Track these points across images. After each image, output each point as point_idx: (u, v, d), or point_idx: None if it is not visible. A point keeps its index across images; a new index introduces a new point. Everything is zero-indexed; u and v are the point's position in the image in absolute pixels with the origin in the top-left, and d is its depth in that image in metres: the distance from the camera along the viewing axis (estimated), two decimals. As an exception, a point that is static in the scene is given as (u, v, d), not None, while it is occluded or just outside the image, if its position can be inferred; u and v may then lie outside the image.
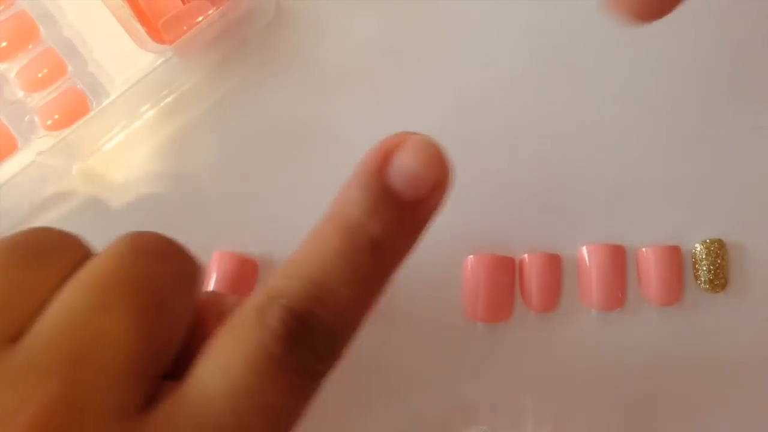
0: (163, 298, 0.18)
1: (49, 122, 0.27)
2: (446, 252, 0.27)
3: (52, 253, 0.18)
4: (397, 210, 0.18)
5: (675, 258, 0.27)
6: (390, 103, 0.28)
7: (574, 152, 0.28)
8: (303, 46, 0.28)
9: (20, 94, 0.28)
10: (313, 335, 0.17)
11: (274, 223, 0.27)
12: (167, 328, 0.18)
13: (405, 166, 0.18)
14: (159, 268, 0.18)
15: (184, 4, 0.27)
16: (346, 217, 0.18)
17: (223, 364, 0.17)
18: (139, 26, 0.26)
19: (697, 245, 0.27)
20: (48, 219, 0.28)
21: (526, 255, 0.27)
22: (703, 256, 0.27)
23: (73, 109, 0.27)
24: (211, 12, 0.27)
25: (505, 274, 0.27)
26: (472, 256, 0.27)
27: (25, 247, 0.18)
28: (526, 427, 0.26)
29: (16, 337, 0.17)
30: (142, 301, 0.17)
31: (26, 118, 0.27)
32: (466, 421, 0.26)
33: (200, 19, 0.27)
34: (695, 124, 0.28)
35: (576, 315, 0.27)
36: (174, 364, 0.18)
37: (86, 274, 0.18)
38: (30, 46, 0.28)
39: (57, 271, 0.18)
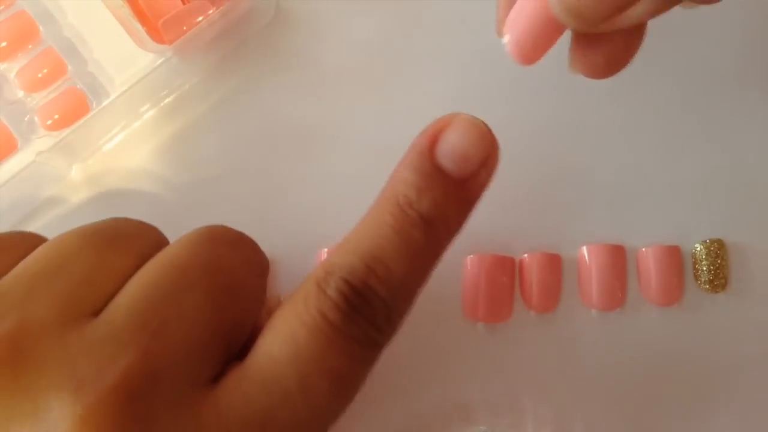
0: (236, 281, 0.19)
1: (49, 122, 0.27)
2: (446, 252, 0.27)
3: (131, 238, 0.20)
4: (447, 187, 0.19)
5: (675, 258, 0.27)
6: (390, 103, 0.28)
7: (574, 152, 0.28)
8: (303, 46, 0.28)
9: (20, 94, 0.28)
10: (370, 306, 0.18)
11: (274, 223, 0.27)
12: (239, 309, 0.19)
13: (453, 144, 0.19)
14: (232, 254, 0.20)
15: (184, 4, 0.27)
16: (398, 195, 0.19)
17: (286, 333, 0.18)
18: (139, 26, 0.26)
19: (697, 245, 0.27)
20: (48, 219, 0.28)
21: (526, 255, 0.27)
22: (703, 256, 0.27)
23: (73, 109, 0.27)
24: (211, 12, 0.27)
25: (505, 274, 0.27)
26: (472, 256, 0.27)
27: (105, 233, 0.20)
28: (526, 427, 0.26)
29: (97, 312, 0.18)
30: (217, 282, 0.19)
31: (26, 118, 0.27)
32: (466, 422, 0.26)
33: (200, 19, 0.27)
34: (696, 124, 0.28)
35: (576, 315, 0.27)
36: (243, 350, 0.19)
37: (165, 257, 0.19)
38: (30, 46, 0.28)
39: (135, 255, 0.19)
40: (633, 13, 0.16)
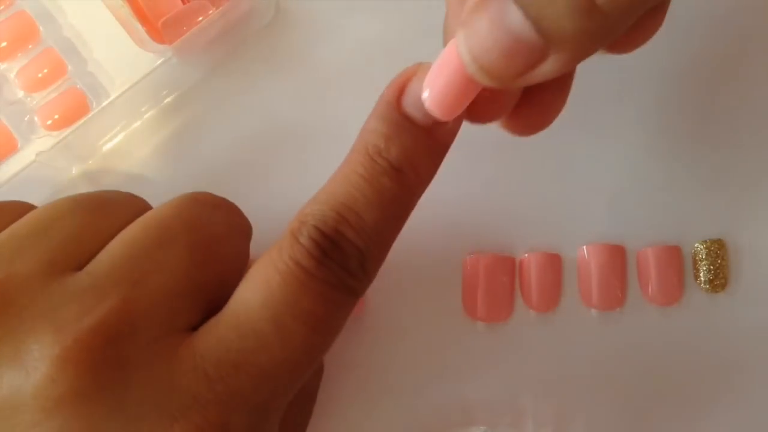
0: (217, 239, 0.20)
1: (49, 122, 0.27)
2: (446, 252, 0.27)
3: (120, 205, 0.21)
4: (415, 135, 0.19)
5: (675, 258, 0.27)
6: (390, 103, 0.28)
7: (574, 152, 0.28)
8: (303, 46, 0.28)
9: (20, 94, 0.28)
10: (343, 251, 0.19)
11: (274, 223, 0.27)
12: (220, 266, 0.20)
13: (418, 92, 0.19)
14: (213, 214, 0.21)
15: (184, 4, 0.27)
16: (367, 146, 0.19)
17: (260, 279, 0.19)
18: (139, 26, 0.26)
19: (697, 245, 0.27)
20: (48, 219, 0.28)
21: (526, 255, 0.27)
22: (703, 256, 0.27)
23: (73, 109, 0.27)
24: (211, 12, 0.27)
25: (505, 274, 0.27)
26: (472, 255, 0.27)
27: (95, 198, 0.21)
28: (526, 427, 0.26)
29: (81, 267, 0.19)
30: (197, 237, 0.20)
31: (26, 118, 0.27)
32: (465, 421, 0.26)
33: (200, 19, 0.27)
34: (695, 124, 0.28)
35: (576, 315, 0.27)
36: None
37: (148, 216, 0.20)
38: (30, 46, 0.28)
39: (121, 219, 0.20)
40: (541, 71, 0.17)
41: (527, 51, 0.16)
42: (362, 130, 0.20)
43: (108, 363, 0.17)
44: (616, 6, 0.15)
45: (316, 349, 0.19)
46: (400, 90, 0.20)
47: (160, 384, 0.17)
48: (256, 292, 0.18)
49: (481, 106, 0.20)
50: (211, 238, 0.20)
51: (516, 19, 0.16)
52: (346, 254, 0.19)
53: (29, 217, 0.20)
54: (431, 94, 0.19)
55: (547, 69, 0.17)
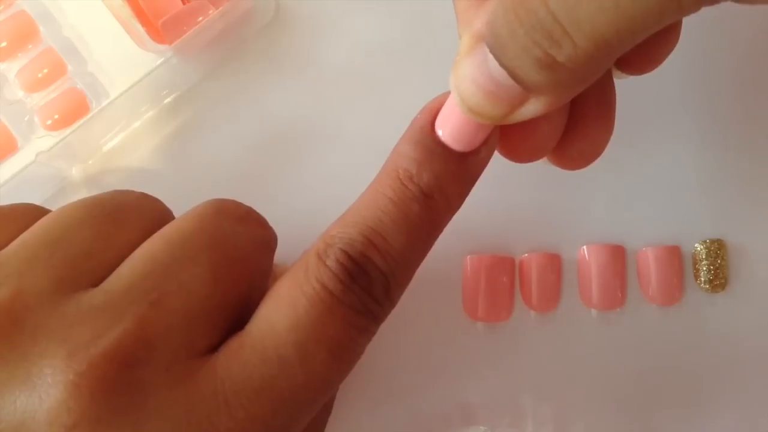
0: (240, 255, 0.19)
1: (49, 122, 0.27)
2: (446, 252, 0.27)
3: (133, 211, 0.20)
4: (447, 162, 0.19)
5: (675, 258, 0.27)
6: (390, 103, 0.28)
7: (574, 152, 0.28)
8: (303, 46, 0.28)
9: (20, 94, 0.28)
10: (369, 276, 0.18)
11: (274, 223, 0.27)
12: (243, 283, 0.19)
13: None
14: (238, 229, 0.20)
15: (184, 4, 0.27)
16: (398, 169, 0.19)
17: (286, 302, 0.18)
18: (139, 26, 0.26)
19: (697, 245, 0.27)
20: (48, 219, 0.28)
21: (526, 255, 0.27)
22: (703, 256, 0.27)
23: (73, 109, 0.27)
24: (211, 12, 0.27)
25: (505, 274, 0.27)
26: (472, 255, 0.27)
27: (107, 205, 0.20)
28: (526, 427, 0.26)
29: (96, 283, 0.18)
30: (220, 255, 0.19)
31: (26, 118, 0.27)
32: (465, 421, 0.26)
33: (200, 19, 0.27)
34: (695, 124, 0.28)
35: (576, 315, 0.27)
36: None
37: (170, 230, 0.19)
38: (30, 46, 0.28)
39: (138, 228, 0.19)
40: (528, 111, 0.17)
41: (508, 95, 0.17)
42: (393, 152, 0.20)
43: (124, 388, 0.16)
44: (576, 62, 0.15)
45: (336, 375, 0.18)
46: (433, 115, 0.19)
47: (178, 410, 0.17)
48: (281, 314, 0.18)
49: (518, 143, 0.20)
50: (234, 255, 0.19)
51: (495, 66, 0.16)
52: (372, 280, 0.18)
53: (37, 227, 0.19)
54: (445, 134, 0.19)
55: (532, 109, 0.17)
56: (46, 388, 0.16)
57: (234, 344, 0.18)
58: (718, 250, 0.27)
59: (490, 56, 0.16)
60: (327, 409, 0.23)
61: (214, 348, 0.18)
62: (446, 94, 0.20)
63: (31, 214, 0.20)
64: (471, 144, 0.19)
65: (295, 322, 0.18)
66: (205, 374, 0.17)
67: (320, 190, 0.28)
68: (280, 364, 0.17)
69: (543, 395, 0.27)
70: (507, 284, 0.27)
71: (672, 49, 0.20)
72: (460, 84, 0.18)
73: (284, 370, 0.17)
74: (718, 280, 0.27)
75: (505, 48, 0.16)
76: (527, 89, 0.16)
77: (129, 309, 0.17)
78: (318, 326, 0.18)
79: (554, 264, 0.27)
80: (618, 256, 0.27)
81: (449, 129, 0.19)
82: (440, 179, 0.19)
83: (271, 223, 0.22)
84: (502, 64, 0.16)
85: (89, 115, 0.26)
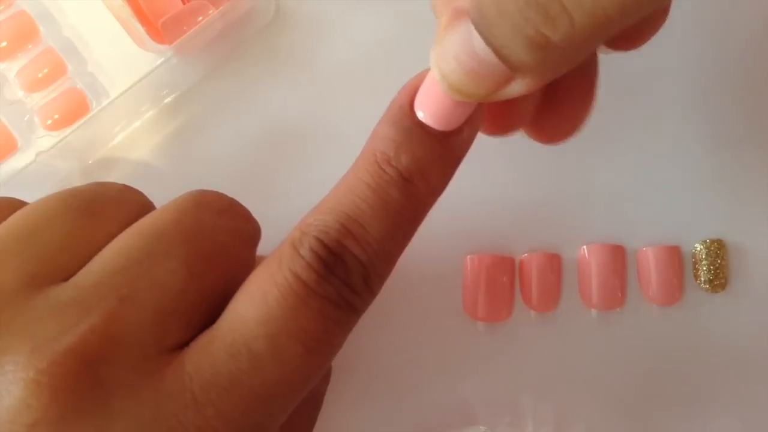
0: (219, 249, 0.18)
1: (49, 122, 0.27)
2: (446, 252, 0.27)
3: (111, 204, 0.19)
4: (428, 144, 0.18)
5: (675, 258, 0.27)
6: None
7: (574, 152, 0.28)
8: (303, 46, 0.28)
9: (20, 94, 0.28)
10: (345, 266, 0.17)
11: (274, 223, 0.27)
12: (221, 278, 0.18)
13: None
14: (218, 221, 0.19)
15: (184, 4, 0.27)
16: (375, 152, 0.18)
17: (257, 294, 0.17)
18: (139, 26, 0.26)
19: (697, 245, 0.27)
20: (48, 219, 0.28)
21: (526, 255, 0.27)
22: (703, 256, 0.27)
23: (73, 109, 0.27)
24: (211, 12, 0.27)
25: (505, 274, 0.27)
26: (472, 255, 0.27)
27: (84, 197, 0.19)
28: (526, 426, 0.26)
29: (68, 278, 0.17)
30: (197, 249, 0.18)
31: (26, 118, 0.27)
32: (465, 421, 0.26)
33: (200, 19, 0.27)
34: (696, 124, 0.28)
35: (576, 315, 0.27)
36: None
37: (146, 222, 0.18)
38: (30, 46, 0.28)
39: (114, 221, 0.19)
40: (512, 90, 0.16)
41: (492, 74, 0.16)
42: (371, 135, 0.19)
43: (87, 387, 0.16)
44: (571, 42, 0.14)
45: (312, 369, 0.18)
46: (412, 94, 0.18)
47: (144, 409, 0.16)
48: (251, 306, 0.17)
49: (491, 116, 0.19)
50: (213, 249, 0.18)
51: (480, 44, 0.15)
52: (349, 269, 0.17)
53: (15, 219, 0.18)
54: (425, 114, 0.18)
55: (517, 89, 0.16)
56: (7, 384, 0.16)
57: (204, 339, 0.17)
58: (718, 250, 0.27)
59: (475, 32, 0.15)
60: (315, 405, 0.23)
61: (186, 342, 0.17)
62: (426, 71, 0.18)
63: (9, 206, 0.19)
64: (452, 123, 0.18)
65: (267, 314, 0.17)
66: (173, 371, 0.16)
67: (320, 189, 0.28)
68: (250, 359, 0.17)
69: (543, 395, 0.27)
70: (507, 284, 0.27)
71: (662, 25, 0.19)
72: (440, 60, 0.16)
73: (255, 365, 0.17)
74: (718, 280, 0.27)
75: (492, 26, 0.15)
76: (513, 69, 0.15)
77: (97, 304, 0.16)
78: (291, 319, 0.17)
79: (554, 264, 0.27)
80: (618, 256, 0.27)
81: (429, 108, 0.18)
82: (420, 161, 0.18)
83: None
84: (488, 43, 0.15)
85: (89, 115, 0.26)
